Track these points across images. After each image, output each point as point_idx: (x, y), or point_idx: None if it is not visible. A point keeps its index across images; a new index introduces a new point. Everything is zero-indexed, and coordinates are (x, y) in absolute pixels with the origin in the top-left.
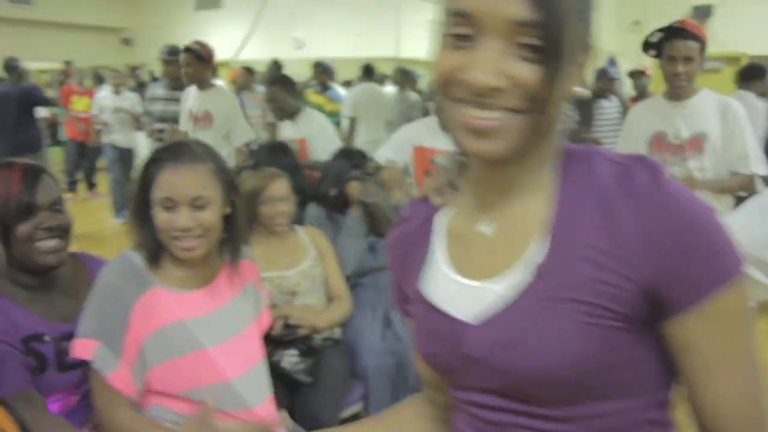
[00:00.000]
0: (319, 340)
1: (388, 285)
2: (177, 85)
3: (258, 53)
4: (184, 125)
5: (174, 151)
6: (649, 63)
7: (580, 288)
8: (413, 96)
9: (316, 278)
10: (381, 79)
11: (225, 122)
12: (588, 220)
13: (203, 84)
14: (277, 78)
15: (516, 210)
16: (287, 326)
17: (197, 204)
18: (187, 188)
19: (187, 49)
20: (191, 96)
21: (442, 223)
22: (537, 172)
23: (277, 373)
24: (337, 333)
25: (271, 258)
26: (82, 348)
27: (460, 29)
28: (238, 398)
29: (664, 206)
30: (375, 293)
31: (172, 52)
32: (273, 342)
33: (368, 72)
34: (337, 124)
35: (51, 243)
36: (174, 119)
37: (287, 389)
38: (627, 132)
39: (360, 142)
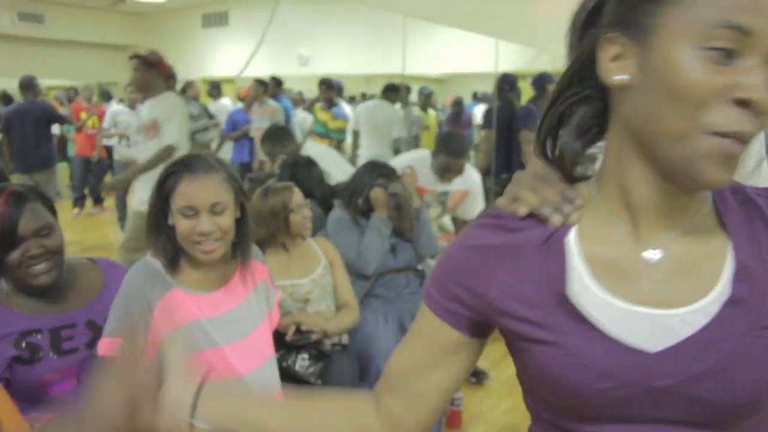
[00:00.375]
0: (328, 345)
1: (403, 287)
2: None
3: (264, 70)
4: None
5: (189, 163)
6: None
7: None
8: (415, 112)
9: (326, 286)
10: (392, 98)
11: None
12: None
13: (151, 91)
14: (265, 134)
15: (687, 237)
16: (300, 332)
17: (216, 210)
18: (205, 196)
19: (135, 55)
20: (144, 108)
21: (572, 244)
22: (703, 199)
23: (289, 376)
24: (345, 339)
25: (285, 267)
26: (107, 346)
27: (729, 43)
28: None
29: None
30: (390, 295)
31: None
32: (286, 346)
33: (388, 90)
34: (342, 140)
35: (40, 266)
36: None
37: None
38: None
39: (363, 156)
